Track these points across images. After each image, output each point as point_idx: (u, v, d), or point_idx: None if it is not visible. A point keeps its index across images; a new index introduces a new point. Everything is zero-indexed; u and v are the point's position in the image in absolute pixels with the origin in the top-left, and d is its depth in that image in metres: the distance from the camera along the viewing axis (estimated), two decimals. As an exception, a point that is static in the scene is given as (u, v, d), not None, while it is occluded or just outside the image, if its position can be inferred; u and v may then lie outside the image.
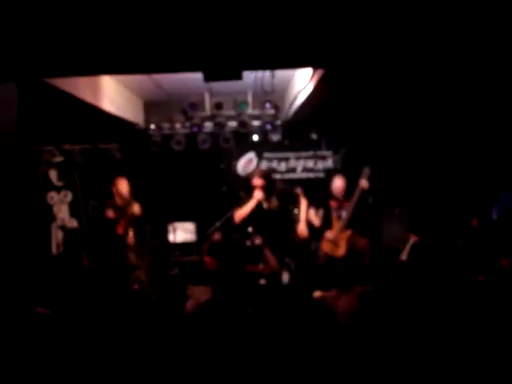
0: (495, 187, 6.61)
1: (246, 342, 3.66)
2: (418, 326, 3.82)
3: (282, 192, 6.04)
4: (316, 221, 6.12)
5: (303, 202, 6.01)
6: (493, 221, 6.31)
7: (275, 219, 5.91)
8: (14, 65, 3.66)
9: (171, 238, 7.98)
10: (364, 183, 5.93)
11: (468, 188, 7.04)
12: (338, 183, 6.12)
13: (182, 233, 8.04)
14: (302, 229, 5.84)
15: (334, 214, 6.02)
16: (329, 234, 5.94)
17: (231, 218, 5.99)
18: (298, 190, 6.39)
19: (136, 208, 6.59)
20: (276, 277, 5.78)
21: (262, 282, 5.70)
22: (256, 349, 3.62)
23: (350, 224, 5.94)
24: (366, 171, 5.94)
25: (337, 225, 5.95)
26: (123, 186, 6.54)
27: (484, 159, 7.05)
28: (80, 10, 3.35)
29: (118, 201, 6.51)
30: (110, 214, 6.42)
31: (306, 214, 5.93)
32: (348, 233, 5.91)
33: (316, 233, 6.14)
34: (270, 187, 5.83)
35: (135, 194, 6.70)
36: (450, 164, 7.48)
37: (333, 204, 6.06)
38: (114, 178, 6.65)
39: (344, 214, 5.98)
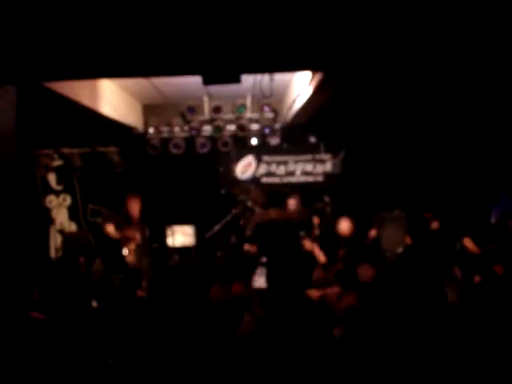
0: (495, 189, 6.62)
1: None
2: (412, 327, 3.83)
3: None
4: (321, 257, 5.80)
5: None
6: (491, 224, 6.31)
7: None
8: (13, 68, 3.66)
9: (170, 241, 7.95)
10: (373, 233, 6.32)
11: (468, 190, 7.05)
12: (345, 226, 5.86)
13: (180, 236, 8.02)
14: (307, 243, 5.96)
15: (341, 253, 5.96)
16: None
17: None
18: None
19: (137, 235, 6.00)
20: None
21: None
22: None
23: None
24: (378, 221, 6.23)
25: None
26: (134, 207, 6.08)
27: (485, 162, 7.06)
28: (79, 13, 3.35)
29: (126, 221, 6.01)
30: (110, 229, 5.95)
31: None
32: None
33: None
34: None
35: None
36: (450, 166, 7.49)
37: (341, 253, 5.83)
38: (126, 197, 6.14)
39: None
